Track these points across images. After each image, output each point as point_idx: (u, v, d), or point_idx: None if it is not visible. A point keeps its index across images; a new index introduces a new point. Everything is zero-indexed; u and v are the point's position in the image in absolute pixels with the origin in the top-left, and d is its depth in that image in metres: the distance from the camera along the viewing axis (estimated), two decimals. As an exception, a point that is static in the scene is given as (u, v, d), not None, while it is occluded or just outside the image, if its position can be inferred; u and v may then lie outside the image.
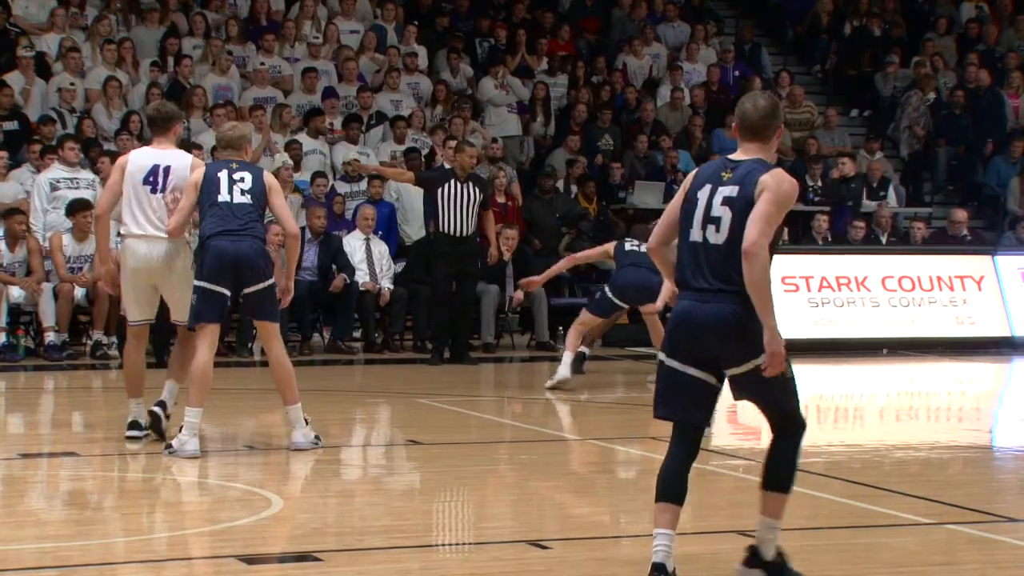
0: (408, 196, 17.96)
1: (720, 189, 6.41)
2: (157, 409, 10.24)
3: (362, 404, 13.27)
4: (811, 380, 14.09)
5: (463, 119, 19.32)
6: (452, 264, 15.73)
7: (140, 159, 10.21)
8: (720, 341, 6.33)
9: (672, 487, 6.45)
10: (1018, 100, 22.93)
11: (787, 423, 6.52)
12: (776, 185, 6.31)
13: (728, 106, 21.68)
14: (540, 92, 20.82)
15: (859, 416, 13.72)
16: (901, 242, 19.54)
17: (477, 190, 15.82)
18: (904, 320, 17.76)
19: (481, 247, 16.27)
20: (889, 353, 17.23)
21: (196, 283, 9.83)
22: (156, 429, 10.19)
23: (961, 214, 19.78)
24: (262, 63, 19.60)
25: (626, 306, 14.37)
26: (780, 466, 6.53)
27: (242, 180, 9.87)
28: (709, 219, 6.40)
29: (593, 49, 22.56)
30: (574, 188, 19.35)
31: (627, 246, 14.31)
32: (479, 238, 16.09)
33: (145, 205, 10.06)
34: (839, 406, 14.06)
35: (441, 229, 15.67)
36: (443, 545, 7.55)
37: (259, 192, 9.87)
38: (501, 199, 18.22)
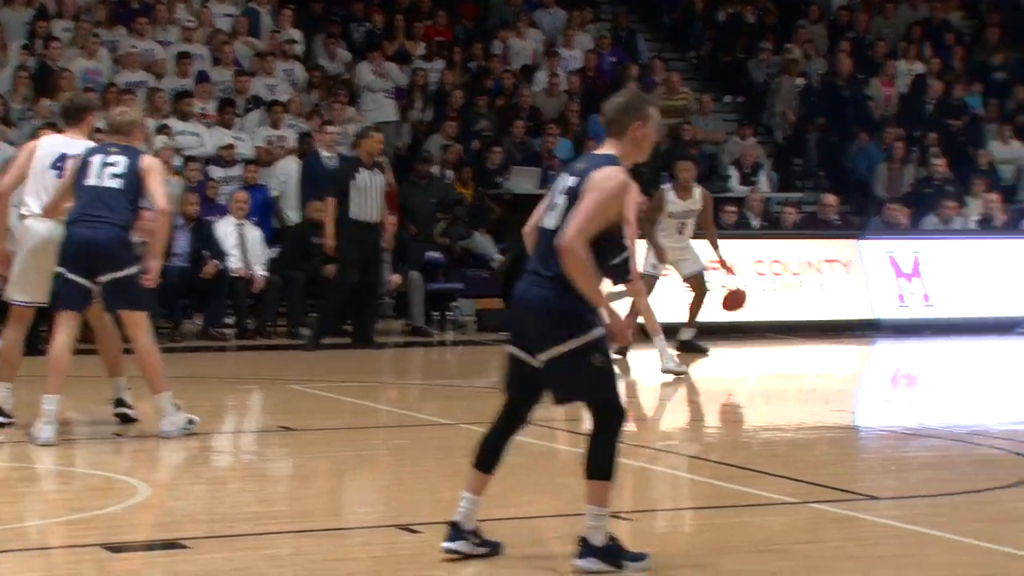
0: (294, 182, 17.87)
1: (567, 178, 6.63)
2: (120, 410, 10.30)
3: (234, 391, 13.20)
4: (682, 364, 14.23)
5: (340, 104, 19.25)
6: (361, 251, 15.75)
7: (50, 145, 10.29)
8: (532, 325, 6.54)
9: (482, 455, 6.85)
10: (891, 88, 23.31)
11: (604, 413, 6.61)
12: (602, 180, 6.46)
13: (604, 92, 21.82)
14: (420, 79, 20.79)
15: (728, 398, 13.90)
16: (772, 227, 19.81)
17: (383, 176, 15.92)
18: (774, 304, 18.03)
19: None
20: (759, 336, 17.48)
21: (55, 268, 9.74)
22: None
23: (831, 199, 20.08)
24: (133, 46, 19.36)
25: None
26: (599, 456, 6.59)
27: (115, 164, 9.77)
28: (551, 206, 6.64)
29: (470, 34, 22.57)
30: (450, 174, 19.37)
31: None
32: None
33: (51, 188, 10.06)
34: (709, 389, 14.22)
35: (352, 216, 15.70)
36: (314, 531, 7.54)
37: (132, 176, 9.75)
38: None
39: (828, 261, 18.49)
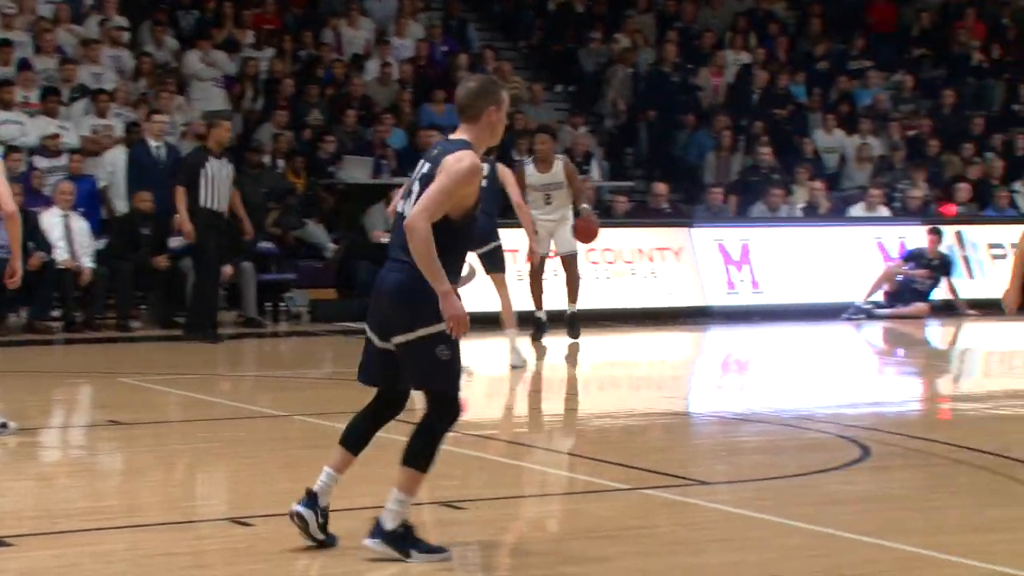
0: (122, 172, 17.57)
1: (423, 164, 6.69)
2: None
3: (62, 385, 12.95)
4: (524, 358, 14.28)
5: (168, 93, 18.97)
6: (215, 239, 15.63)
7: None
8: (387, 309, 6.60)
9: (349, 434, 6.89)
10: (719, 78, 23.66)
11: (439, 406, 6.66)
12: (453, 163, 6.52)
13: (436, 81, 21.84)
14: (249, 68, 20.56)
15: (561, 386, 14.00)
16: (604, 216, 19.96)
17: (232, 166, 15.84)
18: (607, 292, 18.20)
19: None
20: (592, 324, 17.61)
21: None
22: None
23: (661, 188, 20.33)
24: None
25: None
26: (421, 446, 6.63)
27: None
28: (408, 192, 6.69)
29: (300, 23, 22.38)
30: (282, 163, 19.20)
31: None
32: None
33: None
34: (543, 376, 14.31)
35: (203, 205, 15.56)
36: (145, 525, 7.42)
37: None
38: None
39: (659, 249, 18.72)
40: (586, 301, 16.42)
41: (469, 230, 6.65)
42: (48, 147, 17.60)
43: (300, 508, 6.76)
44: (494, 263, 13.48)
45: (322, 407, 11.44)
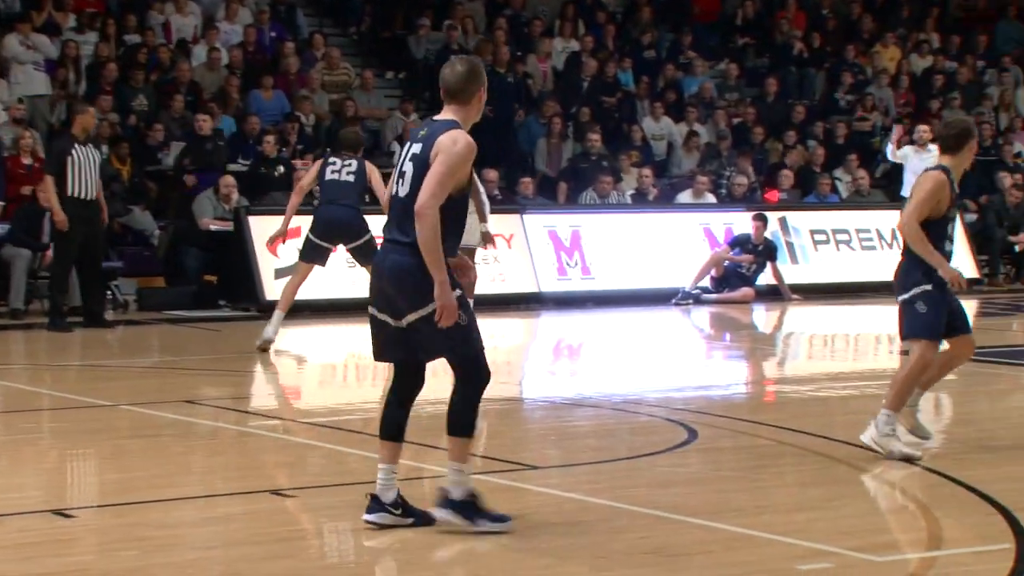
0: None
1: (413, 145, 6.83)
2: None
3: None
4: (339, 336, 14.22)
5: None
6: (80, 229, 15.26)
7: None
8: (395, 290, 6.74)
9: (387, 426, 7.00)
10: (546, 65, 23.78)
11: (467, 370, 6.93)
12: (450, 145, 6.67)
13: (264, 67, 21.62)
14: (71, 51, 20.15)
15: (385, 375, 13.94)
16: (435, 202, 19.95)
17: (98, 153, 15.50)
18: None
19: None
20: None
21: None
22: None
23: (492, 174, 20.33)
24: None
25: (329, 246, 13.67)
26: (461, 413, 6.91)
27: None
28: (400, 174, 6.82)
29: (124, 7, 21.99)
30: (106, 149, 18.85)
31: (328, 172, 13.53)
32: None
33: None
34: (375, 364, 14.21)
35: (70, 194, 15.24)
36: (-36, 519, 7.23)
37: None
38: (27, 160, 17.57)
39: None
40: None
41: (465, 203, 6.88)
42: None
43: (369, 516, 6.93)
44: (367, 255, 13.38)
45: (149, 396, 11.26)
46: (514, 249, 18.84)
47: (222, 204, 18.00)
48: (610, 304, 18.68)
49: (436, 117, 6.92)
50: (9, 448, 9.33)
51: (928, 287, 8.64)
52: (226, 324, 16.28)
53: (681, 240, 19.83)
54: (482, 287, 18.49)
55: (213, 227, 17.84)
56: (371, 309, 6.91)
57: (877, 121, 24.83)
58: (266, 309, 15.35)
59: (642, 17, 25.81)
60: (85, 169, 15.37)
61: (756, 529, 7.05)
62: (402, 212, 6.72)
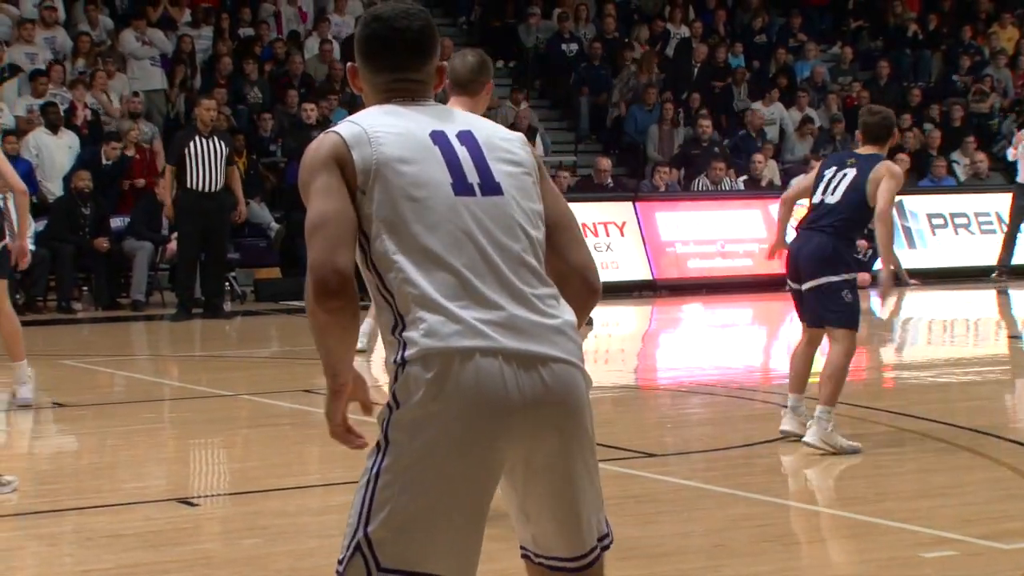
0: (49, 152, 17.41)
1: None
2: None
3: (3, 367, 12.81)
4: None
5: (108, 73, 18.80)
6: (199, 221, 15.44)
7: None
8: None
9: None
10: (647, 49, 23.67)
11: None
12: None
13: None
14: (186, 45, 20.42)
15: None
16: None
17: (223, 145, 15.65)
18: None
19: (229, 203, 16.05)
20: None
21: None
22: None
23: (605, 162, 20.33)
24: None
25: None
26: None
27: None
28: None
29: (237, 1, 22.22)
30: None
31: None
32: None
33: None
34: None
35: (188, 186, 15.46)
36: (93, 507, 7.37)
37: None
38: (130, 152, 17.77)
39: (603, 223, 18.73)
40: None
41: None
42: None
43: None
44: None
45: (268, 386, 11.39)
46: (627, 236, 18.79)
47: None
48: (724, 291, 18.56)
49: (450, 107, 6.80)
50: (133, 438, 9.48)
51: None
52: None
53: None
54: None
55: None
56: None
57: (996, 103, 24.43)
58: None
59: (752, 2, 25.61)
60: (205, 161, 15.54)
61: (877, 516, 6.98)
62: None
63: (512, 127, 20.62)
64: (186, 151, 15.51)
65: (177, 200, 15.68)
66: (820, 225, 8.59)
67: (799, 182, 9.42)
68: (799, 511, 7.16)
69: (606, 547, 3.61)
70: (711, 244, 19.18)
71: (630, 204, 19.12)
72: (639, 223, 18.90)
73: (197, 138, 15.58)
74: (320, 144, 3.54)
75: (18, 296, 16.23)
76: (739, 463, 8.44)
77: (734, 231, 19.33)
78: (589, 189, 20.02)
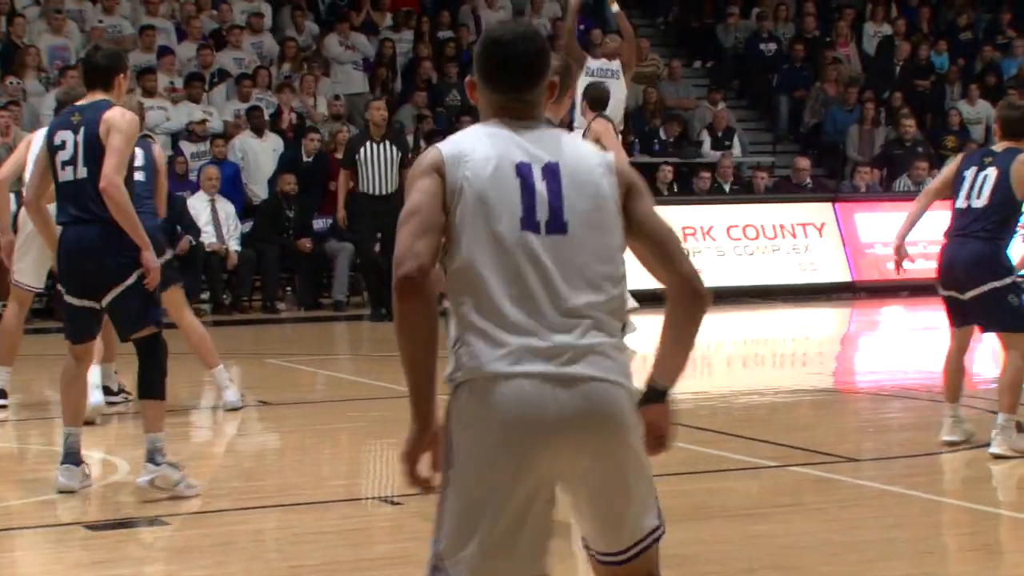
0: (254, 155, 17.82)
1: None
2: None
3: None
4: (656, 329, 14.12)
5: (314, 77, 19.21)
6: (374, 223, 15.72)
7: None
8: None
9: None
10: (848, 48, 23.32)
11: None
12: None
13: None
14: (387, 49, 20.71)
15: (706, 364, 13.90)
16: (744, 191, 19.82)
17: (395, 148, 15.92)
18: (749, 268, 18.03)
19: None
20: (737, 300, 17.48)
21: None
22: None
23: (804, 162, 20.10)
24: (100, 21, 19.18)
25: None
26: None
27: None
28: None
29: (437, 3, 22.46)
30: (423, 144, 19.29)
31: None
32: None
33: None
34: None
35: (361, 189, 15.75)
36: (297, 504, 7.52)
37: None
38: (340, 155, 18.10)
39: (801, 224, 18.50)
40: (725, 277, 16.30)
41: None
42: (195, 132, 17.86)
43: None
44: None
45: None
46: (825, 238, 18.53)
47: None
48: (926, 293, 18.15)
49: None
50: (335, 436, 9.65)
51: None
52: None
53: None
54: (791, 277, 18.33)
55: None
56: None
57: None
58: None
59: (957, -2, 25.07)
60: (379, 164, 15.75)
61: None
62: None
63: (710, 128, 20.65)
64: (359, 154, 15.74)
65: (351, 202, 15.90)
66: (973, 231, 8.41)
67: (942, 176, 9.19)
68: (1005, 519, 6.99)
69: (657, 538, 3.89)
70: (912, 246, 18.46)
71: (829, 205, 18.86)
72: (838, 224, 18.64)
73: (369, 142, 15.81)
74: (425, 156, 3.85)
75: (225, 296, 16.66)
76: (942, 469, 8.27)
77: (936, 232, 18.85)
78: (787, 190, 19.80)
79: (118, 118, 7.30)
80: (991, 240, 8.38)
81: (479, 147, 3.80)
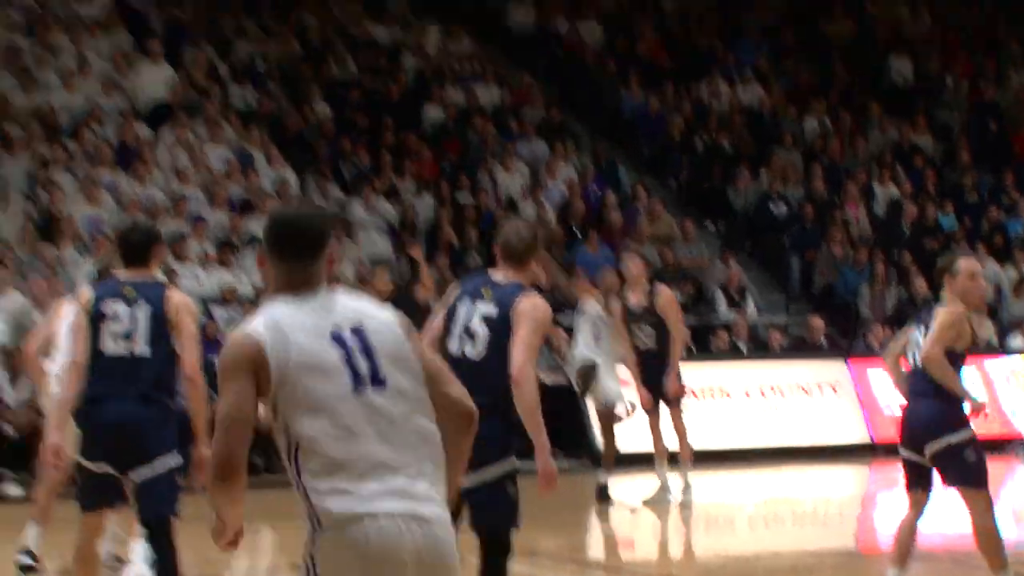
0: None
1: (479, 306, 6.93)
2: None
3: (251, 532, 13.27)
4: (676, 490, 14.21)
5: (338, 239, 19.67)
6: None
7: None
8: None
9: None
10: (856, 209, 23.80)
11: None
12: (532, 311, 6.86)
13: (588, 221, 22.22)
14: (410, 214, 21.18)
15: (727, 523, 14.10)
16: (760, 350, 20.14)
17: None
18: (766, 428, 18.23)
19: None
20: (753, 460, 17.66)
21: None
22: None
23: (818, 321, 20.42)
24: (135, 193, 19.63)
25: None
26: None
27: None
28: (469, 333, 6.93)
29: (456, 168, 22.91)
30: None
31: None
32: None
33: None
34: (707, 514, 14.39)
35: None
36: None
37: None
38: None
39: (816, 383, 18.79)
40: (743, 438, 16.45)
41: None
42: (226, 297, 18.23)
43: None
44: None
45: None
46: (840, 396, 18.83)
47: (554, 355, 18.41)
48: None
49: (495, 278, 7.01)
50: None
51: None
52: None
53: (1016, 386, 19.47)
54: (810, 436, 18.52)
55: (548, 381, 18.14)
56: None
57: None
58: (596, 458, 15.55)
59: (962, 160, 25.59)
60: None
61: None
62: (475, 375, 6.31)
63: (723, 288, 21.00)
64: None
65: None
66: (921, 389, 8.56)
67: (897, 341, 9.24)
68: None
69: None
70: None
71: (842, 363, 19.18)
72: (853, 382, 18.94)
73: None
74: (239, 344, 4.27)
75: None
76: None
77: (950, 390, 19.21)
78: (801, 349, 20.11)
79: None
80: (939, 395, 8.49)
81: (292, 321, 4.26)
